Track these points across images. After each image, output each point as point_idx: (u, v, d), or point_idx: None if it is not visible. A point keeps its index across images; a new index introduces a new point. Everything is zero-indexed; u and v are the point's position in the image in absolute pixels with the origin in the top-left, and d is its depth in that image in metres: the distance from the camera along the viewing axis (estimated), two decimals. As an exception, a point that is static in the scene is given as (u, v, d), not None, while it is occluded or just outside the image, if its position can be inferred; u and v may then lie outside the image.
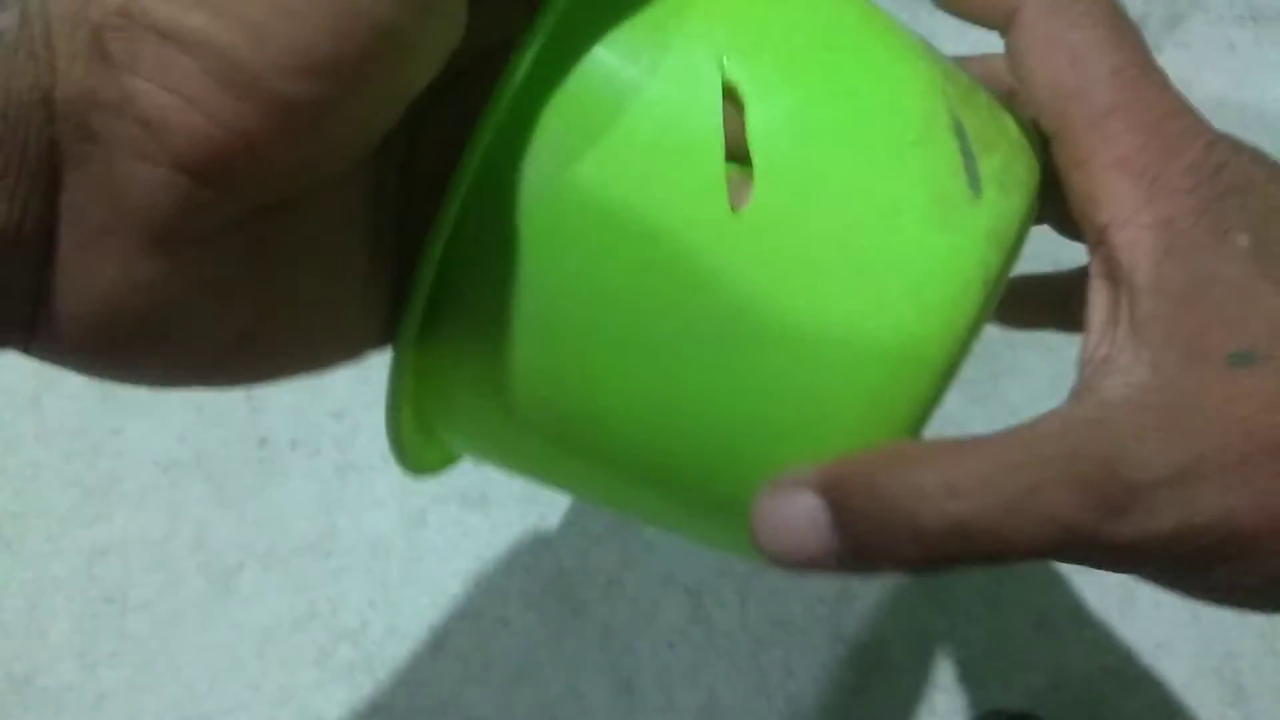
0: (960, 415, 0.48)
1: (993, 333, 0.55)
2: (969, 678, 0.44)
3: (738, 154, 0.19)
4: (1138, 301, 0.16)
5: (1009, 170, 0.21)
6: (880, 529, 0.16)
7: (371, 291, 0.18)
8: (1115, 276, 0.17)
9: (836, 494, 0.17)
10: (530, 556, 0.47)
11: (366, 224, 0.17)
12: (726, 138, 0.18)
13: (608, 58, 0.18)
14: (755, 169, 0.19)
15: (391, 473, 0.49)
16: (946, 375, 0.20)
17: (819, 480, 0.17)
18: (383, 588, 0.47)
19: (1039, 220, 0.21)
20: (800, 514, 0.17)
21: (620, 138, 0.18)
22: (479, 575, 0.47)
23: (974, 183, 0.20)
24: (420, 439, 0.23)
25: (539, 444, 0.21)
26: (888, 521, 0.16)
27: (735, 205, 0.19)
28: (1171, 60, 0.59)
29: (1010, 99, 0.22)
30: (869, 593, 0.46)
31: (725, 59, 0.19)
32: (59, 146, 0.13)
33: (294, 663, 0.45)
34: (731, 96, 0.19)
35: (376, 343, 0.19)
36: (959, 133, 0.21)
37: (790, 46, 0.20)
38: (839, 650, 0.45)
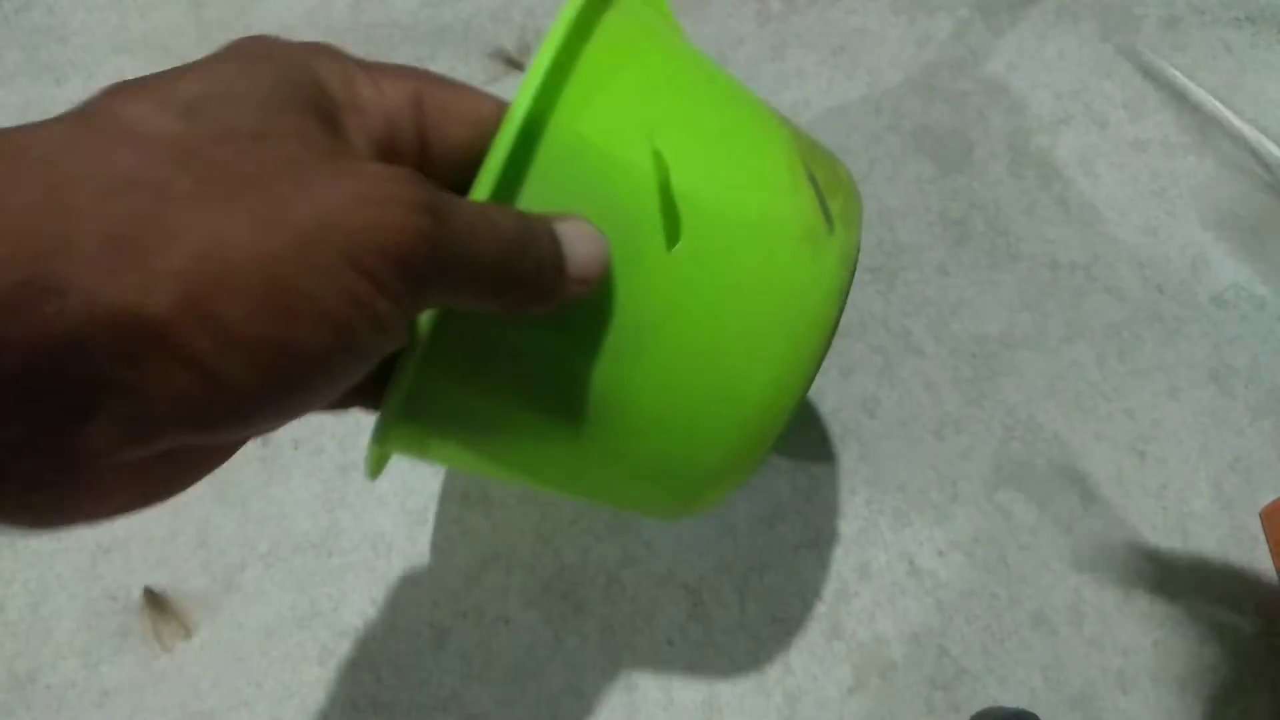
0: (958, 415, 0.48)
1: (990, 332, 0.55)
2: (965, 676, 0.44)
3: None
4: None
5: (848, 209, 0.29)
6: None
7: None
8: None
9: None
10: (531, 555, 0.47)
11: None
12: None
13: (570, 140, 0.24)
14: (682, 218, 0.25)
15: (393, 472, 0.49)
16: (821, 356, 0.29)
17: None
18: (384, 586, 0.47)
19: None
20: None
21: (581, 196, 0.24)
22: (480, 573, 0.47)
23: (829, 220, 0.28)
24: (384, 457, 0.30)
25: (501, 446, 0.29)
26: None
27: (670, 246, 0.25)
28: (1168, 62, 0.59)
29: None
30: (867, 591, 0.46)
31: (654, 135, 0.25)
32: None
33: (296, 660, 0.45)
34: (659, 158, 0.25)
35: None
36: (813, 180, 0.28)
37: (698, 125, 0.27)
38: (837, 648, 0.45)
